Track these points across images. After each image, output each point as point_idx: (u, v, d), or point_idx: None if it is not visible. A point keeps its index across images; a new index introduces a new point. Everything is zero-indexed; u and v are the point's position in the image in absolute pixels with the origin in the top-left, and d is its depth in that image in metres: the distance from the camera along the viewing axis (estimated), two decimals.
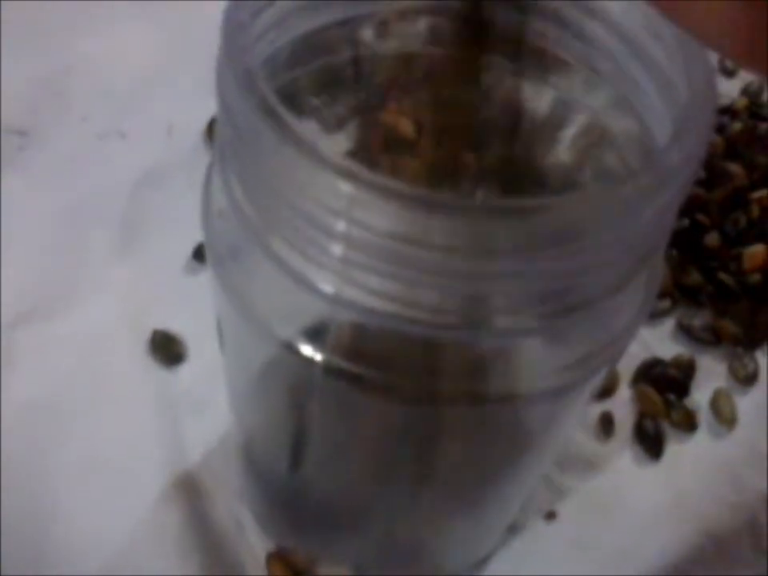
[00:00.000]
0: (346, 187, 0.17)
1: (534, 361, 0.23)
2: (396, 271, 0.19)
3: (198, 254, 0.42)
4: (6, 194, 0.44)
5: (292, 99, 0.31)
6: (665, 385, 0.40)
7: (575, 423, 0.28)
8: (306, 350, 0.22)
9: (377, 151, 0.35)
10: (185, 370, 0.39)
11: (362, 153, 0.34)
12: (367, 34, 0.30)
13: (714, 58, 0.20)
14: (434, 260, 0.18)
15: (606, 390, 0.40)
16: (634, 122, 0.24)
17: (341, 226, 0.18)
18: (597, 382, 0.25)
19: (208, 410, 0.37)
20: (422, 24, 0.30)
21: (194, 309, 0.40)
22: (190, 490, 0.36)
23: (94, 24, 0.54)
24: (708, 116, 0.20)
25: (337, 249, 0.19)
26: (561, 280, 0.20)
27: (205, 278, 0.41)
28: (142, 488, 0.36)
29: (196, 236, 0.42)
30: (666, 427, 0.39)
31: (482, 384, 0.23)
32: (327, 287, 0.20)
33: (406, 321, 0.20)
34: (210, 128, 0.48)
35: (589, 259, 0.19)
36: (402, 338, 0.21)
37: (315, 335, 0.22)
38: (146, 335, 0.40)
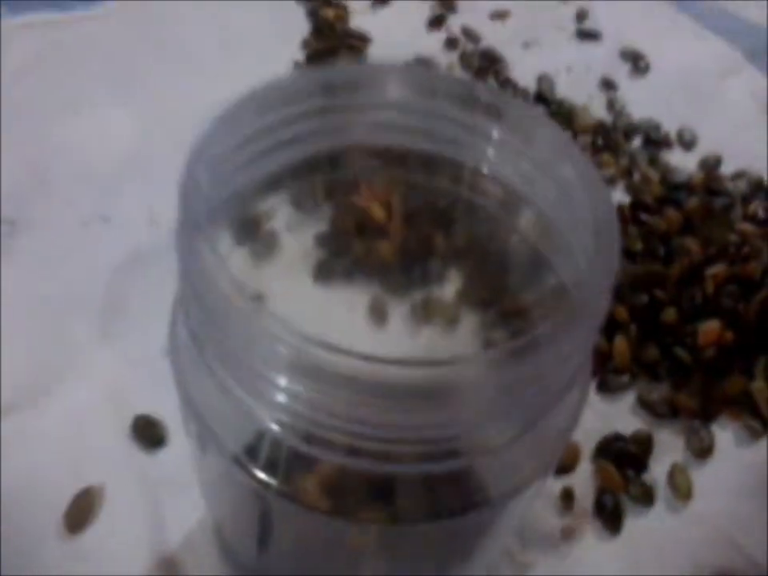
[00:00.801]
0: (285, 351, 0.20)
1: (496, 471, 0.25)
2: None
3: None
4: None
5: (268, 186, 0.34)
6: (624, 460, 0.42)
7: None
8: (260, 474, 0.24)
9: (350, 234, 0.37)
10: (166, 453, 0.41)
11: (337, 235, 0.37)
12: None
13: None
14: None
15: (567, 466, 0.41)
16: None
17: (282, 381, 0.21)
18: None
19: (188, 492, 0.39)
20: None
21: (174, 394, 0.42)
22: (171, 572, 0.37)
23: (75, 108, 0.56)
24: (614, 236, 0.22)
25: (282, 398, 0.21)
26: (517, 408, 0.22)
27: None
28: (125, 571, 0.37)
29: None
30: (626, 501, 0.41)
31: (452, 500, 0.25)
32: (274, 424, 0.22)
33: (368, 460, 0.22)
34: None
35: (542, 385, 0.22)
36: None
37: (267, 458, 0.24)
38: (129, 420, 0.42)
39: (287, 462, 0.24)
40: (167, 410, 0.42)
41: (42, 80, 0.58)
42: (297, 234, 0.35)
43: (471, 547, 0.29)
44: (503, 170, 0.29)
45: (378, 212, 0.36)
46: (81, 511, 0.38)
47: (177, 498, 0.39)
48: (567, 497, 0.41)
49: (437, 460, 0.22)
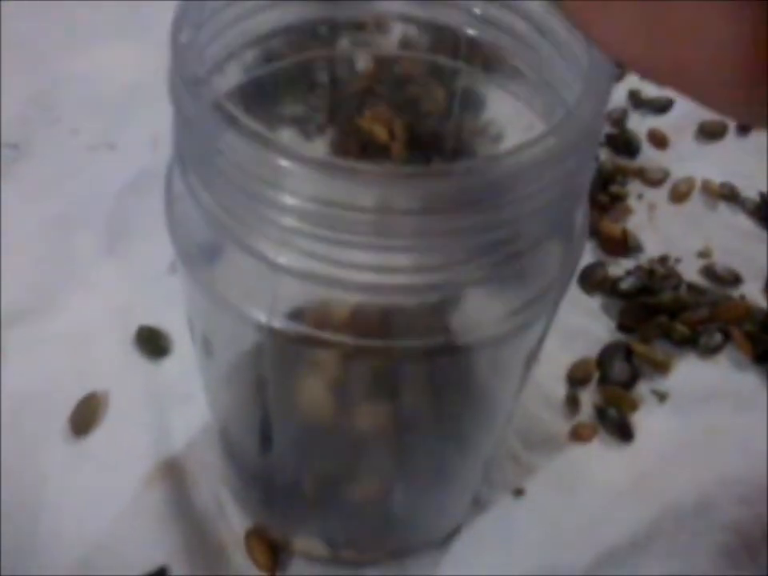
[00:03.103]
0: (286, 163, 0.20)
1: (479, 311, 0.25)
2: (344, 238, 0.21)
3: None
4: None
5: (271, 108, 0.34)
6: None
7: (518, 381, 0.30)
8: (257, 315, 0.24)
9: (354, 156, 0.37)
10: (170, 363, 0.41)
11: (340, 156, 0.36)
12: (343, 39, 0.32)
13: None
14: (380, 223, 0.21)
15: (582, 378, 0.41)
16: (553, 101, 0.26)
17: (288, 199, 0.21)
18: (533, 335, 0.27)
19: (192, 400, 0.39)
20: (392, 31, 0.32)
21: (178, 306, 0.42)
22: (174, 474, 0.38)
23: (82, 41, 0.56)
24: (607, 80, 0.22)
25: (287, 221, 0.21)
26: (498, 231, 0.22)
27: None
28: (128, 474, 0.38)
29: None
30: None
31: (434, 337, 0.25)
32: (281, 259, 0.22)
33: (356, 286, 0.22)
34: None
35: (521, 210, 0.21)
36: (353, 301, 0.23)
37: (265, 300, 0.24)
38: (133, 331, 0.42)
39: (283, 300, 0.24)
40: (172, 322, 0.42)
41: (50, 13, 0.58)
42: None
43: (491, 381, 0.29)
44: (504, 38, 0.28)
45: (381, 133, 0.36)
46: (85, 415, 0.39)
47: (181, 406, 0.40)
48: (573, 401, 0.40)
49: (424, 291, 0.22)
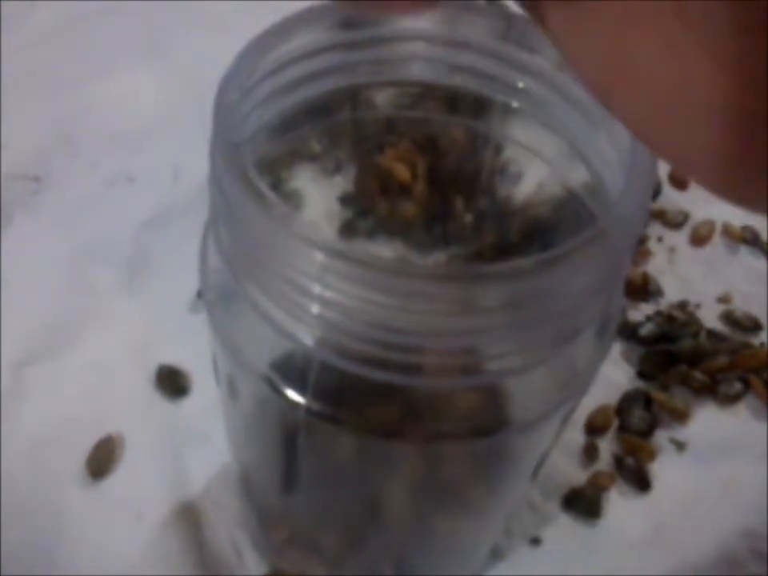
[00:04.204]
0: (319, 256, 0.20)
1: (526, 395, 0.25)
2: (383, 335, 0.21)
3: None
4: (20, 236, 0.47)
5: (294, 149, 0.34)
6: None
7: (550, 447, 0.30)
8: (290, 393, 0.24)
9: (374, 194, 0.37)
10: (189, 403, 0.41)
11: (361, 196, 0.37)
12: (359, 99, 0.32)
13: None
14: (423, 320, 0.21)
15: (600, 427, 0.41)
16: (586, 173, 0.26)
17: (317, 288, 0.21)
18: (568, 412, 0.27)
19: (210, 441, 0.39)
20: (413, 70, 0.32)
21: (198, 344, 0.42)
22: (191, 518, 0.37)
23: (103, 71, 0.56)
24: (651, 162, 0.22)
25: (315, 308, 0.21)
26: (546, 323, 0.22)
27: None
28: (145, 516, 0.37)
29: None
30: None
31: (484, 420, 0.25)
32: (307, 339, 0.22)
33: (398, 373, 0.22)
34: None
35: (563, 306, 0.22)
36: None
37: (297, 377, 0.24)
38: (152, 370, 0.42)
39: (319, 381, 0.24)
40: (191, 361, 0.42)
41: (70, 43, 0.58)
42: (321, 194, 0.35)
43: (493, 478, 0.29)
44: (535, 106, 0.28)
45: (402, 172, 0.36)
46: (102, 458, 0.39)
47: (198, 447, 0.40)
48: (591, 450, 0.40)
49: (463, 375, 0.22)
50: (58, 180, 0.51)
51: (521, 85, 0.28)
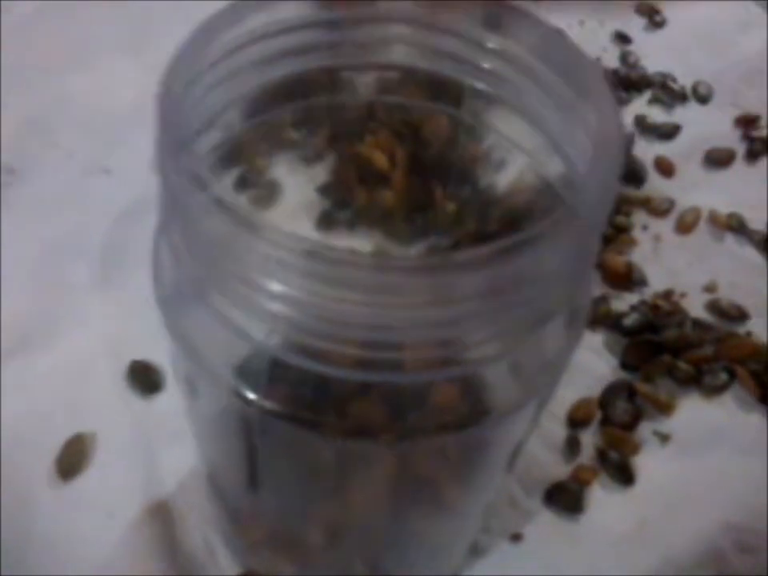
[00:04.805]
0: (280, 254, 0.19)
1: (498, 386, 0.24)
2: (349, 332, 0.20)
3: None
4: None
5: (270, 133, 0.33)
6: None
7: (522, 441, 0.29)
8: (251, 395, 0.23)
9: (353, 184, 0.36)
10: (162, 400, 0.40)
11: (340, 185, 0.36)
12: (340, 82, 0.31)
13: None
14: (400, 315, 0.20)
15: (583, 421, 0.41)
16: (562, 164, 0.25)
17: (280, 288, 0.20)
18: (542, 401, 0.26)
19: (183, 439, 0.38)
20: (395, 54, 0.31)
21: None
22: (163, 517, 0.37)
23: (80, 62, 0.55)
24: (616, 147, 0.21)
25: (279, 308, 0.20)
26: (518, 309, 0.21)
27: None
28: (117, 516, 0.37)
29: None
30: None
31: (453, 414, 0.24)
32: (269, 340, 0.21)
33: (377, 371, 0.21)
34: None
35: (534, 292, 0.21)
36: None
37: (260, 379, 0.23)
38: (125, 365, 0.41)
39: (277, 380, 0.23)
40: (164, 357, 0.41)
41: (47, 32, 0.57)
42: (299, 184, 0.34)
43: (467, 472, 0.28)
44: (503, 88, 0.27)
45: (381, 161, 0.35)
46: (72, 458, 0.38)
47: (171, 444, 0.39)
48: (573, 443, 0.40)
49: (443, 368, 0.21)
50: (34, 171, 0.50)
51: (499, 72, 0.27)
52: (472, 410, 0.25)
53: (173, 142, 0.21)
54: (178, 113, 0.22)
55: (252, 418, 0.25)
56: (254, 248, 0.19)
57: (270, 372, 0.23)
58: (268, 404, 0.23)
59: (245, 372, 0.24)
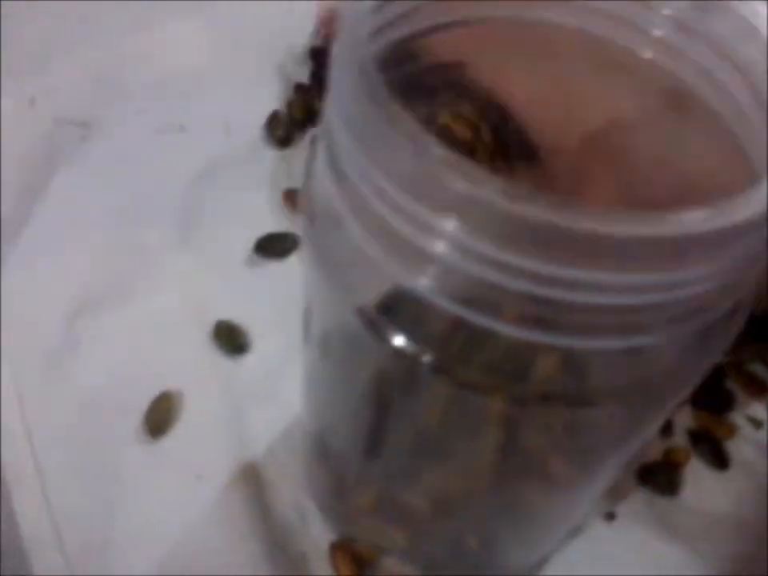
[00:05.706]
0: (459, 185, 0.17)
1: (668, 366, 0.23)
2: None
3: (260, 248, 0.43)
4: (69, 185, 0.45)
5: None
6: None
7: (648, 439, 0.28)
8: (398, 340, 0.22)
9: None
10: (248, 361, 0.40)
11: None
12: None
13: None
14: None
15: None
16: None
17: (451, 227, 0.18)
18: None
19: (272, 402, 0.38)
20: None
21: (256, 301, 0.41)
22: (253, 481, 0.36)
23: (150, 19, 0.54)
24: None
25: (441, 247, 0.19)
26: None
27: (267, 271, 0.42)
28: (205, 478, 0.36)
29: (256, 230, 0.43)
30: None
31: (584, 385, 0.23)
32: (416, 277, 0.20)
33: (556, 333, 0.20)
34: (270, 124, 0.49)
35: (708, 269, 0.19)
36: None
37: (404, 321, 0.22)
38: (210, 326, 0.40)
39: (426, 326, 0.22)
40: (249, 318, 0.40)
41: None
42: None
43: (580, 454, 0.27)
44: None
45: (463, 132, 0.34)
46: (160, 416, 0.37)
47: (260, 407, 0.38)
48: (666, 424, 0.39)
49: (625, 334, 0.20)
50: (107, 127, 0.49)
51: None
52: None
53: (357, 59, 0.19)
54: (362, 33, 0.20)
55: (388, 364, 0.23)
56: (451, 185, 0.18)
57: (416, 319, 0.22)
58: (415, 351, 0.22)
59: (392, 315, 0.22)
